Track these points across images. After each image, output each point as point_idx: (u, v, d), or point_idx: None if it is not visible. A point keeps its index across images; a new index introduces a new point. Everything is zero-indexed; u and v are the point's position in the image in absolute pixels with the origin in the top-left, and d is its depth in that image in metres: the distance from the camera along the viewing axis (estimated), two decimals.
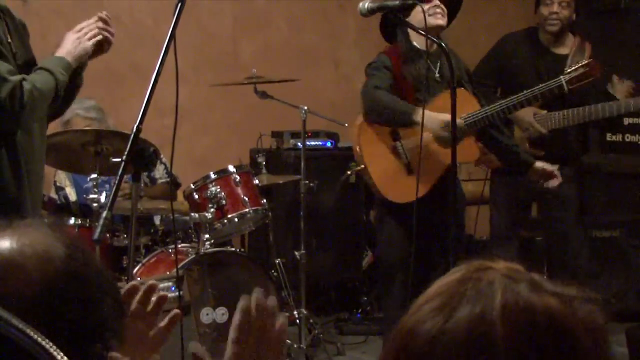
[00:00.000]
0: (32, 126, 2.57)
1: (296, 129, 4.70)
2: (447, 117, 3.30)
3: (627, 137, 5.31)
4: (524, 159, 3.75)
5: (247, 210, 3.93)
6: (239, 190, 3.95)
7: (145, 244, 4.05)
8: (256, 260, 4.02)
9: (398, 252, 3.57)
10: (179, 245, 3.93)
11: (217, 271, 3.74)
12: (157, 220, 4.34)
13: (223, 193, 3.87)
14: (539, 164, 3.74)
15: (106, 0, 5.11)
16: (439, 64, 3.61)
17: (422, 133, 3.17)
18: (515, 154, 3.75)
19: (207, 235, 3.80)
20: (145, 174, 4.38)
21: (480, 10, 5.87)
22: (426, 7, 3.38)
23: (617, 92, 4.07)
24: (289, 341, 4.04)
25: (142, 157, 2.35)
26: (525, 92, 3.63)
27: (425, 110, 3.24)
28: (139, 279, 3.56)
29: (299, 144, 4.49)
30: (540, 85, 3.66)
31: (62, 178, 4.46)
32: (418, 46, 3.58)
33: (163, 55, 2.32)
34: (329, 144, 5.17)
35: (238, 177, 3.96)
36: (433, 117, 3.40)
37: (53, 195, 4.45)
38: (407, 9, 3.19)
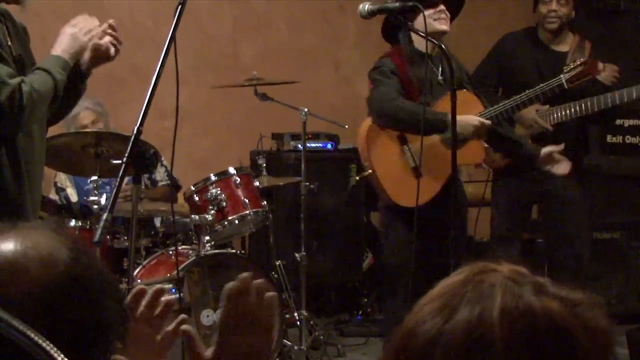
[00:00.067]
0: (32, 127, 2.57)
1: (296, 130, 4.70)
2: (475, 120, 3.35)
3: (628, 139, 5.32)
4: (530, 150, 3.78)
5: (247, 212, 3.93)
6: (240, 192, 3.95)
7: (145, 246, 4.05)
8: (257, 262, 4.02)
9: (408, 256, 3.57)
10: (180, 247, 3.93)
11: (218, 273, 3.74)
12: (157, 222, 4.35)
13: (223, 195, 3.88)
14: (545, 149, 3.76)
15: (106, 1, 5.12)
16: (440, 66, 3.63)
17: (422, 139, 3.18)
18: (521, 145, 3.78)
19: (207, 237, 3.80)
20: (146, 176, 4.39)
21: (480, 11, 5.87)
22: (431, 12, 3.41)
23: (602, 79, 4.05)
24: (289, 343, 4.04)
25: (143, 159, 2.34)
26: (527, 92, 3.68)
27: (458, 116, 3.31)
28: (139, 280, 3.56)
29: (300, 145, 4.49)
30: (541, 85, 3.72)
31: (63, 179, 4.47)
32: (420, 49, 3.59)
33: (163, 57, 2.31)
34: (329, 146, 5.17)
35: (238, 179, 3.96)
36: (464, 121, 3.40)
37: (53, 196, 4.45)
38: (407, 11, 3.19)
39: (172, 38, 2.33)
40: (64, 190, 4.46)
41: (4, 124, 2.43)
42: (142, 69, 4.94)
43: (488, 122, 3.53)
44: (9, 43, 2.54)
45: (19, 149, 2.52)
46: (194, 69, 5.34)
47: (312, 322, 4.33)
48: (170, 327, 1.50)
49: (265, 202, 4.03)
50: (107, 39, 2.62)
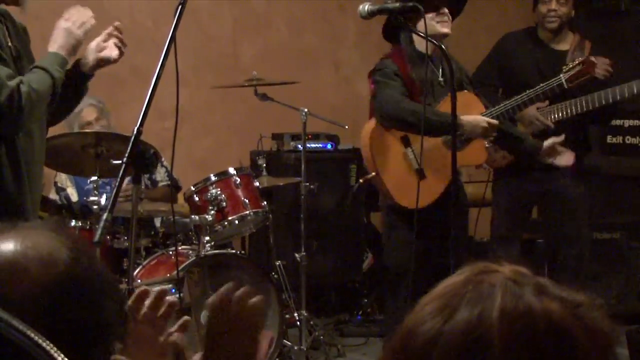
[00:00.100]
0: (32, 127, 2.57)
1: (296, 131, 4.70)
2: (484, 120, 3.40)
3: (628, 140, 5.32)
4: (532, 144, 3.79)
5: (247, 212, 3.93)
6: (240, 192, 3.95)
7: (145, 246, 4.05)
8: (257, 262, 4.02)
9: (409, 256, 3.57)
10: (180, 248, 3.92)
11: (218, 273, 3.74)
12: (157, 222, 4.34)
13: (223, 195, 3.88)
14: (547, 142, 3.77)
15: (106, 1, 5.11)
16: (441, 67, 3.63)
17: (422, 139, 3.18)
18: (523, 140, 3.79)
19: (207, 238, 3.80)
20: (147, 176, 4.39)
21: (481, 12, 5.86)
22: (434, 14, 3.42)
23: (596, 74, 4.04)
24: (289, 343, 4.04)
25: (143, 159, 2.35)
26: (528, 92, 3.69)
27: (466, 117, 3.37)
28: (139, 281, 3.56)
29: (300, 146, 4.49)
30: (541, 85, 3.74)
31: (63, 179, 4.47)
32: (420, 50, 3.59)
33: (163, 58, 2.31)
34: (329, 146, 5.17)
35: (238, 179, 3.96)
36: (472, 122, 3.44)
37: (53, 196, 4.45)
38: (407, 11, 3.19)
39: (172, 38, 2.33)
40: (64, 190, 4.46)
41: (3, 124, 2.44)
42: (142, 69, 4.94)
43: (495, 121, 3.53)
44: (9, 44, 2.54)
45: (19, 149, 2.52)
46: (194, 69, 5.34)
47: (312, 322, 4.33)
48: (173, 329, 1.50)
49: (265, 203, 4.03)
50: (113, 41, 2.63)
